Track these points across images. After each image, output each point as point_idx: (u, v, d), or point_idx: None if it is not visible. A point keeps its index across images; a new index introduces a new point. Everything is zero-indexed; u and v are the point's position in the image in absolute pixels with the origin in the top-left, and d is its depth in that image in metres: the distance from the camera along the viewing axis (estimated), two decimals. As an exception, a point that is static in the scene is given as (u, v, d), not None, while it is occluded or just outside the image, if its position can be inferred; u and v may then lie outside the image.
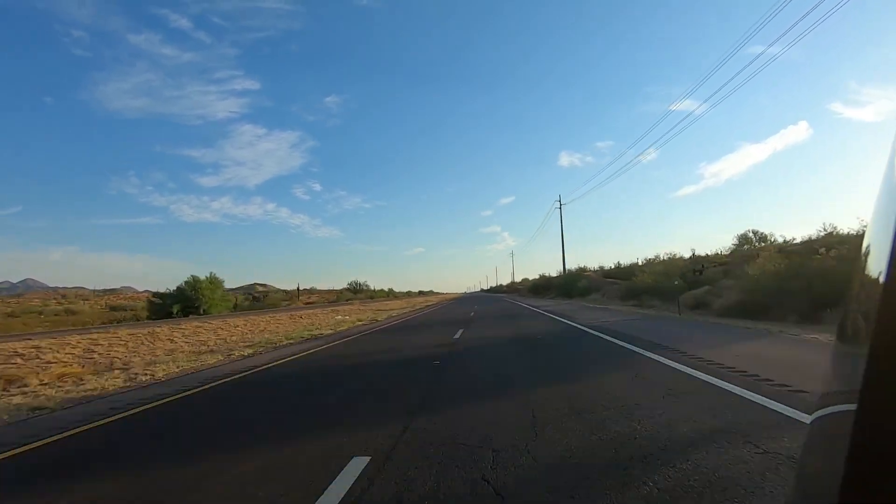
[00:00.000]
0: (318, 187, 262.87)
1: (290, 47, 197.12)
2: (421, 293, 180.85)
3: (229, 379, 6.97)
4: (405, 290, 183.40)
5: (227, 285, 48.21)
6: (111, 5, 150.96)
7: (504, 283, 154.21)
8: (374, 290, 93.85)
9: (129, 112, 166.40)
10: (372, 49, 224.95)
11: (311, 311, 36.80)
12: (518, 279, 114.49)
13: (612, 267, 40.71)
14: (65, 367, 9.01)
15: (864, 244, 0.50)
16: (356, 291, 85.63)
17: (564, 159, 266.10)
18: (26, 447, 3.90)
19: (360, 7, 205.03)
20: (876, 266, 0.43)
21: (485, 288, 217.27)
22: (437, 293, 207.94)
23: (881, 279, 0.41)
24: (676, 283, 17.95)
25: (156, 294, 42.20)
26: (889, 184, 0.47)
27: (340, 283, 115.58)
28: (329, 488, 2.63)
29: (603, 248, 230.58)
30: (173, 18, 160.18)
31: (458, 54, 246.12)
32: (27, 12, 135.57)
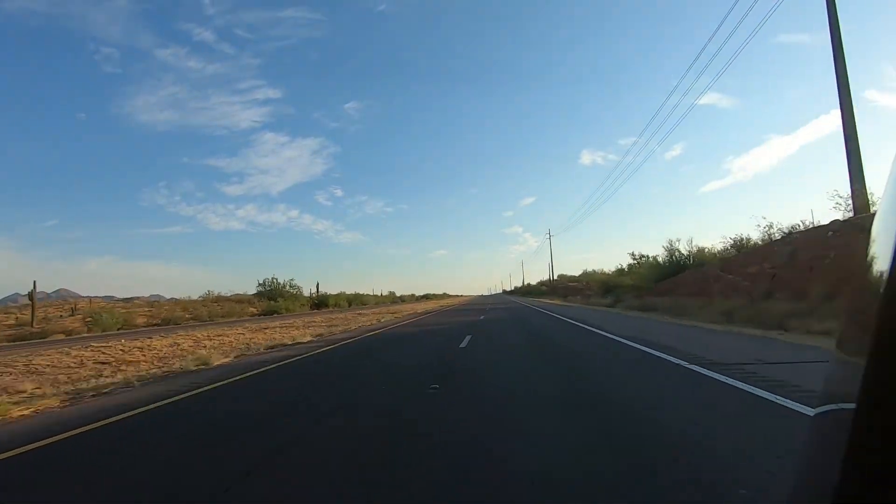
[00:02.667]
0: (339, 193, 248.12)
1: (311, 55, 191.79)
2: (427, 297, 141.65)
3: None
4: (428, 292, 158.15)
5: (246, 291, 47.66)
6: (139, 22, 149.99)
7: (533, 283, 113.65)
8: (307, 297, 54.47)
9: (159, 125, 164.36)
10: (391, 54, 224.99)
11: None
12: (543, 276, 73.88)
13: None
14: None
15: (869, 246, 0.49)
16: (272, 297, 47.03)
17: (586, 157, 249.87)
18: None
19: (378, 13, 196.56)
20: (878, 268, 0.44)
21: (507, 289, 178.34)
22: (451, 296, 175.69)
23: (883, 280, 0.42)
24: None
25: None
26: (892, 192, 0.46)
27: (360, 287, 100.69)
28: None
29: (618, 249, 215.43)
30: (197, 32, 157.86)
31: (478, 56, 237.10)
32: (60, 33, 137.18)
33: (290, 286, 51.00)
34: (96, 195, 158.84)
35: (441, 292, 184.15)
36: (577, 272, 71.11)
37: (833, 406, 0.50)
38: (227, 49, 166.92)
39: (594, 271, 58.42)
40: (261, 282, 49.77)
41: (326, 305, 60.04)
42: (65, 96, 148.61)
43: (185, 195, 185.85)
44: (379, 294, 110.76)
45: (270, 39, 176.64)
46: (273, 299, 47.35)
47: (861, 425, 0.40)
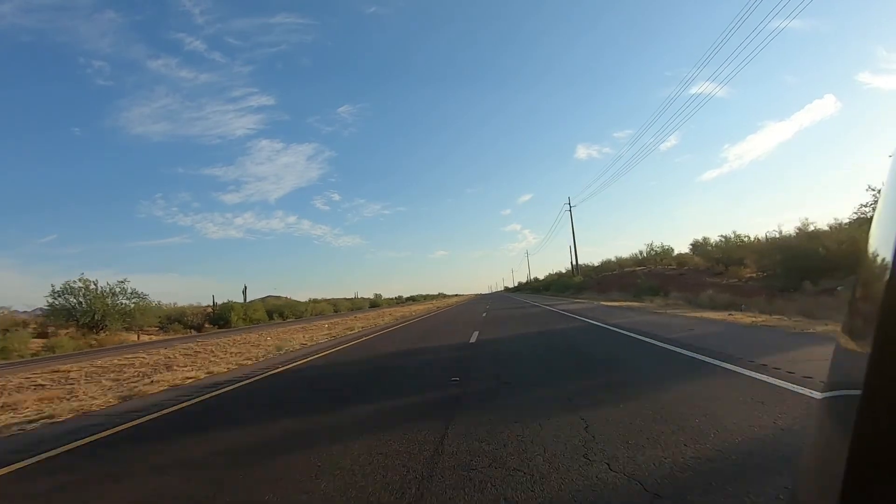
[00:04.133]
0: (337, 197, 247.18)
1: (303, 60, 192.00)
2: (413, 299, 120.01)
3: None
4: (425, 293, 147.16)
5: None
6: (129, 34, 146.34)
7: (541, 277, 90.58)
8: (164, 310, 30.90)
9: (153, 136, 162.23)
10: (383, 56, 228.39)
11: None
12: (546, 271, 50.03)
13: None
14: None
15: (871, 233, 0.50)
16: (74, 317, 23.66)
17: (582, 152, 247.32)
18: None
19: (368, 15, 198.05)
20: (881, 255, 0.45)
21: (509, 286, 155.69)
22: (447, 296, 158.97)
23: (886, 267, 0.43)
24: None
25: None
26: (894, 177, 0.47)
27: (358, 291, 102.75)
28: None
29: (622, 241, 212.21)
30: (188, 41, 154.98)
31: (470, 54, 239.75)
32: (51, 47, 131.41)
33: (123, 293, 27.45)
34: (94, 209, 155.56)
35: (437, 293, 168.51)
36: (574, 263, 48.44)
37: (839, 392, 0.50)
38: (219, 58, 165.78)
39: (655, 249, 35.33)
40: (56, 289, 26.07)
41: (228, 323, 37.03)
42: (58, 111, 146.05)
43: (183, 206, 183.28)
44: (356, 298, 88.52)
45: (261, 46, 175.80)
46: (77, 320, 24.43)
47: (866, 410, 0.41)
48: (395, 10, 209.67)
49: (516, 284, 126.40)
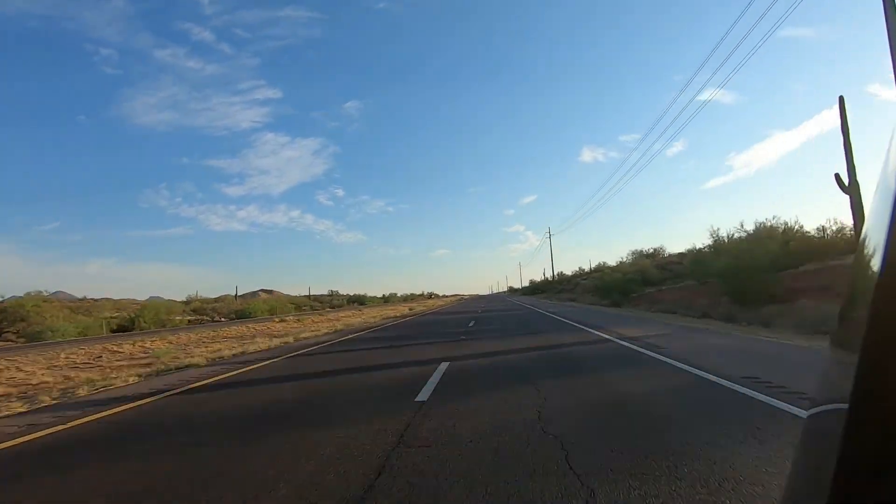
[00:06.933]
0: (341, 193, 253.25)
1: (310, 55, 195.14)
2: (361, 301, 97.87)
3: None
4: (423, 291, 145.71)
5: (241, 291, 40.98)
6: (137, 22, 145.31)
7: (566, 273, 67.55)
8: None
9: (159, 126, 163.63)
10: (391, 53, 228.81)
11: None
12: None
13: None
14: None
15: (861, 245, 0.50)
16: None
17: (587, 155, 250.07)
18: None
19: (377, 11, 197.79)
20: (869, 266, 0.45)
21: (515, 286, 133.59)
22: (438, 296, 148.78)
23: (874, 278, 0.42)
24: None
25: None
26: (884, 189, 0.46)
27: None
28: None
29: (623, 245, 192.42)
30: (196, 32, 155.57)
31: (478, 54, 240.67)
32: (59, 34, 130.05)
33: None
34: (97, 197, 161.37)
35: (425, 291, 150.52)
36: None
37: (827, 406, 0.49)
38: (227, 49, 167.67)
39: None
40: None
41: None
42: (64, 99, 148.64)
43: (186, 196, 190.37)
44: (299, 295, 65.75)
45: (269, 39, 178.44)
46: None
47: (853, 425, 0.40)
48: (405, 8, 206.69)
49: (526, 284, 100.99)
